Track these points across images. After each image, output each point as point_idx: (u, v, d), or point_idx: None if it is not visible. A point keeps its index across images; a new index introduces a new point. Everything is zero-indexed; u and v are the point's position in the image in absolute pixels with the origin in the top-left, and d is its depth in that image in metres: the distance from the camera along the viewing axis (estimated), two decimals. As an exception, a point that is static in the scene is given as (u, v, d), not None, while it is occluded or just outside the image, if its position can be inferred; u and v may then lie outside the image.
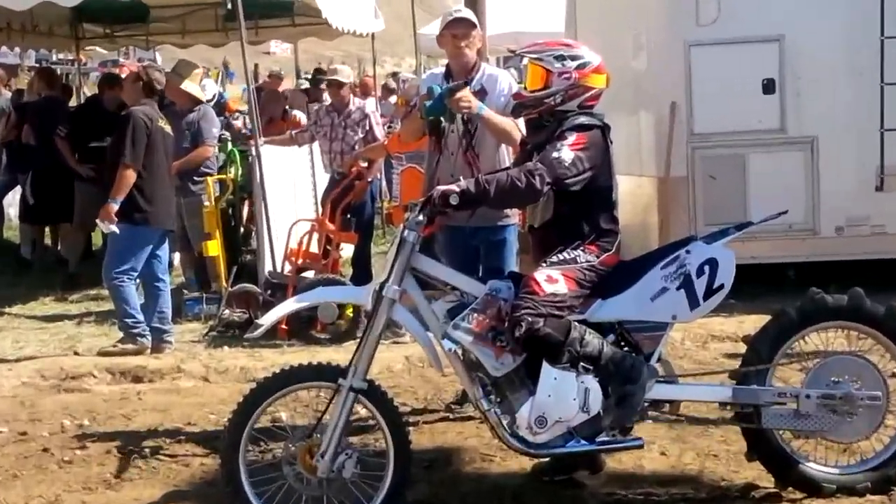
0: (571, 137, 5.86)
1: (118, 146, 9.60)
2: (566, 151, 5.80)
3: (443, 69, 7.72)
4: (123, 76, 13.18)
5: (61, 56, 24.22)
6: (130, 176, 9.42)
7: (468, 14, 7.58)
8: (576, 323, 5.72)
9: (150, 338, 9.72)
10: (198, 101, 11.75)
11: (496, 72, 7.64)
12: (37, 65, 22.34)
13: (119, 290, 9.64)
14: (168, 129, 10.06)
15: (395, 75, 25.07)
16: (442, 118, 6.51)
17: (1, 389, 8.78)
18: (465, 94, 6.77)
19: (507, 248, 7.37)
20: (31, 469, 6.99)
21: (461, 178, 6.15)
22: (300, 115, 15.39)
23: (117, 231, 9.49)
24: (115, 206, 9.41)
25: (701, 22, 10.75)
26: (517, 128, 6.92)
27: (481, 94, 7.15)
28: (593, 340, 5.71)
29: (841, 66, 10.87)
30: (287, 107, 15.87)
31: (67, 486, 6.69)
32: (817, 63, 10.77)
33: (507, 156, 7.32)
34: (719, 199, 10.65)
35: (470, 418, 7.48)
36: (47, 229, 15.13)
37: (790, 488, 5.98)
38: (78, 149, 12.87)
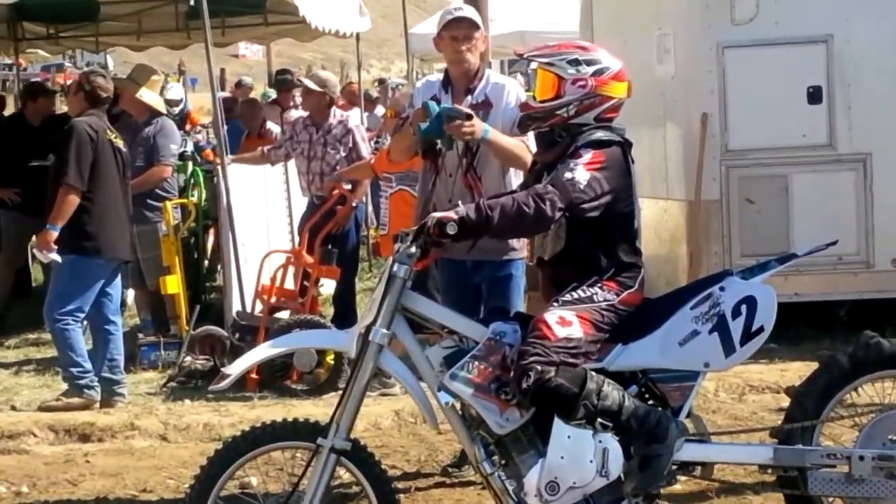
0: (587, 155, 5.85)
1: (59, 164, 9.60)
2: (581, 171, 5.79)
3: (440, 76, 7.73)
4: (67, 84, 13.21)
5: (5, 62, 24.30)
6: (73, 199, 9.40)
7: (470, 13, 7.58)
8: (592, 373, 5.69)
9: (98, 390, 9.69)
10: (157, 113, 11.78)
11: (503, 80, 7.65)
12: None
13: (63, 335, 9.61)
14: (121, 143, 10.05)
15: (382, 82, 25.13)
16: (439, 141, 6.52)
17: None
18: (468, 126, 6.74)
19: (513, 285, 7.38)
20: (-39, 546, 7.00)
21: (460, 203, 6.15)
22: (275, 129, 15.39)
23: (58, 259, 9.47)
24: (55, 234, 9.39)
25: (737, 21, 10.77)
26: (528, 149, 6.91)
27: (485, 106, 7.18)
28: (613, 393, 5.68)
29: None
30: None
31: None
32: (871, 68, 10.80)
33: (514, 178, 7.33)
34: (758, 226, 10.65)
35: (470, 483, 7.47)
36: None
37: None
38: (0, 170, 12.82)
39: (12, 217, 12.78)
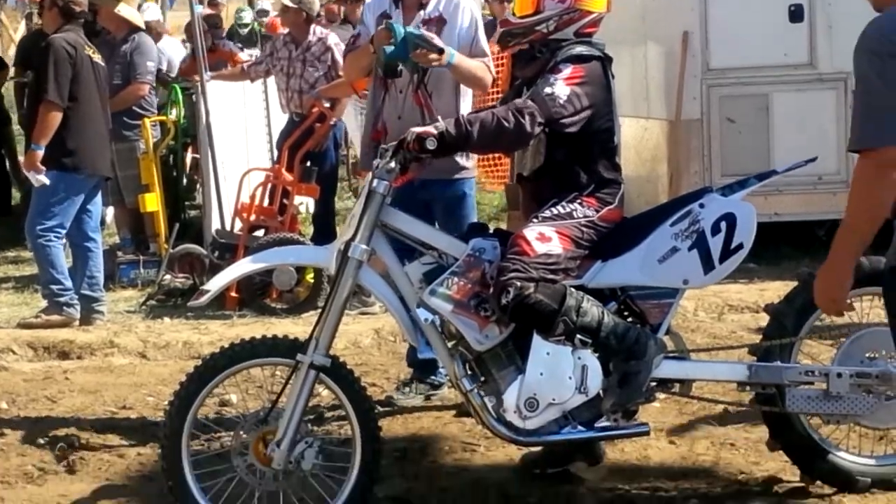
0: (567, 70, 5.83)
1: (39, 82, 9.54)
2: (561, 86, 5.77)
3: None
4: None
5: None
6: (55, 116, 9.36)
7: None
8: (572, 289, 5.69)
9: (78, 307, 9.70)
10: (135, 28, 11.70)
11: None
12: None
13: (44, 251, 9.59)
14: (99, 58, 9.99)
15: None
16: (402, 65, 6.44)
17: None
18: (429, 45, 6.60)
19: (466, 204, 7.32)
20: (-60, 459, 7.00)
21: (419, 120, 6.11)
22: (229, 44, 15.31)
23: (48, 182, 9.43)
24: (40, 153, 9.36)
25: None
26: (489, 70, 6.87)
27: (439, 22, 7.10)
28: (592, 309, 5.69)
29: None
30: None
31: (-21, 480, 6.70)
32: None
33: (468, 95, 7.27)
34: (739, 145, 10.64)
35: (452, 403, 7.46)
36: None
37: (818, 482, 5.99)
38: None
39: None
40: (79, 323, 9.63)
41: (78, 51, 9.61)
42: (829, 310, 4.69)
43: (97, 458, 6.90)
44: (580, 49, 5.92)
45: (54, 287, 9.64)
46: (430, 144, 5.65)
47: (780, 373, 5.86)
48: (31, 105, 9.72)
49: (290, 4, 11.60)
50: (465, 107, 7.19)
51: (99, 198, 10.20)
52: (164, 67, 13.21)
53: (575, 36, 5.98)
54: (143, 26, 12.32)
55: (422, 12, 7.14)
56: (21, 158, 11.65)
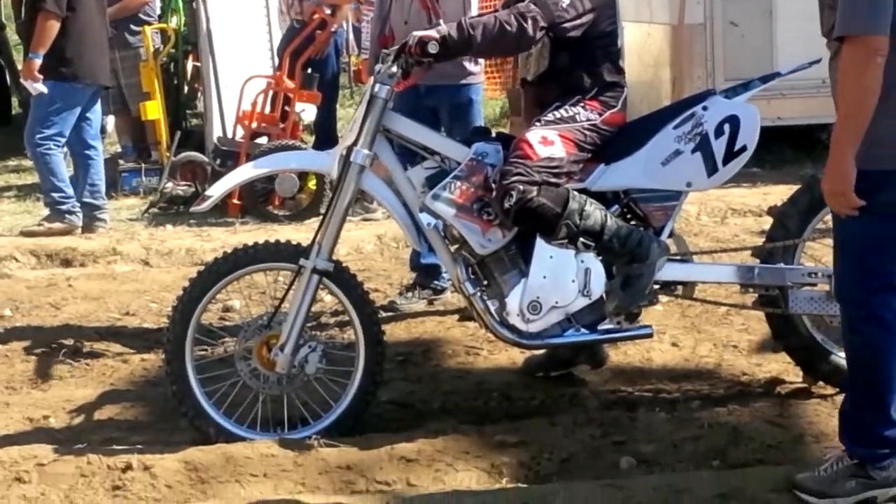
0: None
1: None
2: (562, -10, 5.76)
3: None
4: None
5: None
6: (53, 24, 9.32)
7: None
8: (575, 192, 5.68)
9: (80, 215, 9.70)
10: None
11: None
12: None
13: (44, 159, 9.58)
14: None
15: None
16: None
17: None
18: None
19: (473, 109, 7.29)
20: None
21: (426, 24, 6.07)
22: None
23: (44, 90, 9.41)
24: (38, 62, 9.34)
25: None
26: None
27: None
28: (595, 212, 5.68)
29: None
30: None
31: (-14, 382, 6.72)
32: None
33: (474, 2, 7.21)
34: (742, 49, 10.58)
35: (454, 308, 7.47)
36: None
37: (820, 382, 6.02)
38: None
39: None
40: (81, 230, 9.64)
41: None
42: (840, 205, 4.68)
43: (101, 364, 6.95)
44: None
45: (56, 195, 9.64)
46: (432, 48, 5.62)
47: (783, 274, 5.88)
48: (28, 14, 9.66)
49: None
50: (472, 12, 7.13)
51: (98, 106, 10.17)
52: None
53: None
54: None
55: None
56: (20, 67, 11.60)
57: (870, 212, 4.71)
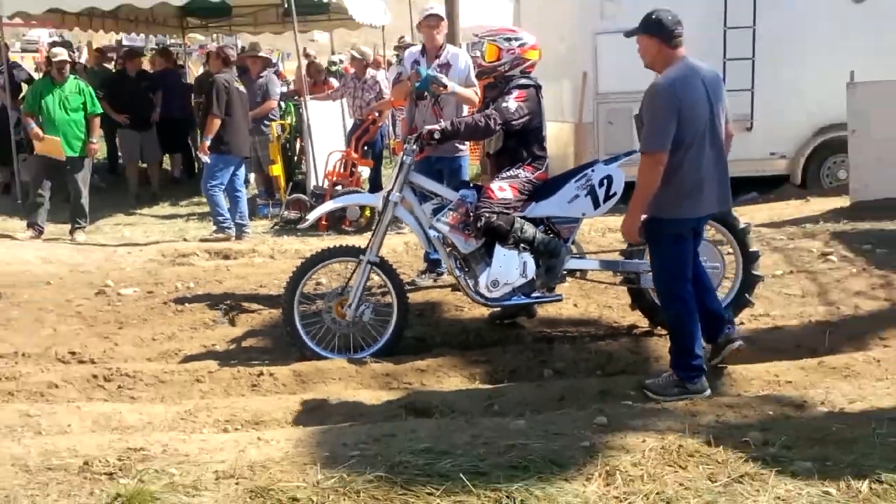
0: (515, 93, 5.82)
1: (208, 103, 9.51)
2: (512, 102, 5.77)
3: (419, 46, 7.45)
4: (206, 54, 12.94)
5: (172, 40, 23.58)
6: (216, 122, 9.31)
7: (438, 10, 7.34)
8: (518, 218, 5.71)
9: (234, 230, 9.69)
10: (267, 63, 11.66)
11: (457, 51, 7.38)
12: (156, 46, 21.74)
13: (212, 198, 9.59)
14: (242, 88, 9.91)
15: (398, 57, 24.58)
16: (426, 93, 6.37)
17: (135, 263, 8.77)
18: (441, 82, 6.34)
19: (461, 170, 7.15)
20: (156, 316, 7.02)
21: (434, 123, 6.07)
22: (333, 81, 15.22)
23: (208, 161, 9.44)
24: (207, 143, 9.34)
25: (605, 17, 10.56)
26: (476, 96, 6.73)
27: (447, 66, 6.97)
28: (529, 229, 5.71)
29: (694, 47, 10.60)
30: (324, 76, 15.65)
31: (180, 327, 6.73)
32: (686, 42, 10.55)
33: (464, 109, 7.17)
34: (614, 136, 10.52)
35: (449, 285, 7.46)
36: (168, 162, 14.66)
37: (658, 328, 6.04)
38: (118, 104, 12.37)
39: (126, 133, 12.60)
40: (234, 239, 9.62)
41: (230, 84, 9.53)
42: (631, 238, 5.07)
43: (246, 315, 6.96)
44: (523, 81, 5.91)
45: (219, 218, 9.62)
46: (437, 136, 5.68)
47: (637, 266, 5.91)
48: (203, 115, 9.67)
49: (357, 56, 11.65)
50: (464, 113, 7.08)
51: (243, 168, 10.16)
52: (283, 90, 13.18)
53: (520, 73, 5.96)
54: (273, 60, 12.23)
55: (437, 60, 7.04)
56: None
57: (663, 237, 4.95)
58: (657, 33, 4.94)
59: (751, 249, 5.97)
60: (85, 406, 5.05)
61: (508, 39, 5.99)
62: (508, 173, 5.85)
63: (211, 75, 10.23)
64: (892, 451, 3.86)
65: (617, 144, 10.21)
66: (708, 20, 10.22)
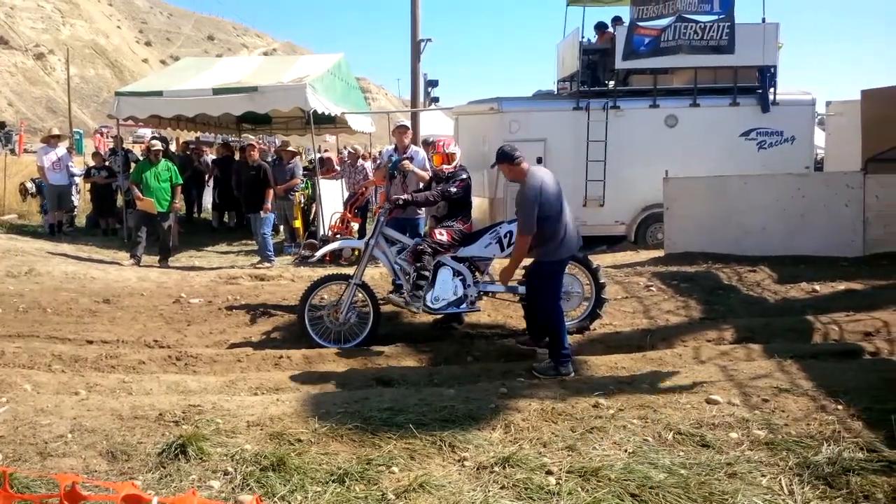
0: (455, 182, 5.82)
1: (265, 181, 9.42)
2: (452, 188, 5.78)
3: (393, 146, 7.40)
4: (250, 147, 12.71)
5: (233, 138, 23.43)
6: (271, 193, 9.13)
7: (406, 122, 7.44)
8: (448, 257, 5.66)
9: (275, 262, 9.47)
10: (294, 155, 11.56)
11: (417, 148, 7.39)
12: (221, 142, 21.56)
13: (263, 241, 9.42)
14: (271, 171, 9.74)
15: (379, 152, 24.54)
16: (395, 172, 6.34)
17: (200, 282, 8.51)
18: (407, 165, 6.52)
19: (418, 227, 7.05)
20: (212, 317, 6.80)
21: (404, 194, 6.04)
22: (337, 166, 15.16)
23: (263, 216, 9.28)
24: (269, 205, 9.18)
25: (511, 131, 10.63)
26: (427, 175, 6.74)
27: (411, 158, 6.95)
28: (459, 265, 5.67)
29: (569, 154, 10.60)
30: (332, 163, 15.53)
31: (229, 325, 6.54)
32: (561, 154, 10.64)
33: (420, 185, 7.15)
34: (514, 207, 10.37)
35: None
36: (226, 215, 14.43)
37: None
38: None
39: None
40: (269, 268, 9.43)
41: (264, 167, 9.37)
42: (506, 281, 5.21)
43: (275, 317, 6.75)
44: (463, 175, 5.89)
45: (267, 253, 9.43)
46: (401, 203, 5.65)
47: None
48: (249, 184, 9.46)
49: (352, 151, 11.69)
50: (422, 186, 7.02)
51: (272, 220, 9.97)
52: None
53: (457, 169, 5.95)
54: (298, 153, 12.07)
55: (406, 153, 7.02)
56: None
57: (543, 272, 4.96)
58: (505, 160, 5.00)
59: (601, 281, 6.02)
60: (162, 376, 4.90)
61: (449, 148, 5.99)
62: (447, 224, 5.82)
63: (230, 159, 10.02)
64: (682, 411, 3.87)
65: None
66: (577, 137, 10.45)
